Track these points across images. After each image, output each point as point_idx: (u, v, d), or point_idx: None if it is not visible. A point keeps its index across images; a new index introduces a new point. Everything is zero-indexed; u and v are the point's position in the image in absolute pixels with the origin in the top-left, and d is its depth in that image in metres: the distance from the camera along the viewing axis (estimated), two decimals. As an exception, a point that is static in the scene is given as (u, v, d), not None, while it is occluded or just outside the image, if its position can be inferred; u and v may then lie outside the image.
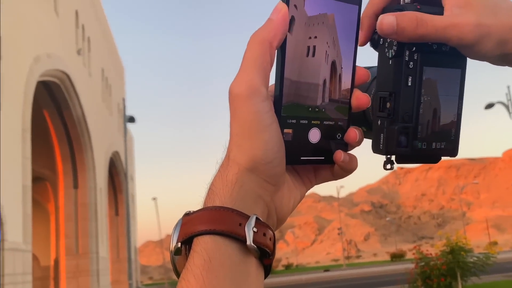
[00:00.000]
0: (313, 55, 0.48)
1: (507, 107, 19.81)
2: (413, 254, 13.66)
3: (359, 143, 0.53)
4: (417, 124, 0.52)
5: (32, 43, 12.05)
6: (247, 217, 0.44)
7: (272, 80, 0.48)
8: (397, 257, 49.02)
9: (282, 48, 0.47)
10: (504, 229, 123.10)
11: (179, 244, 0.44)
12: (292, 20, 0.47)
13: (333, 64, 0.50)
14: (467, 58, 0.53)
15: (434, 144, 0.53)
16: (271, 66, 0.47)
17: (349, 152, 0.53)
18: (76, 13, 16.63)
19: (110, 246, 22.15)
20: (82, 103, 16.40)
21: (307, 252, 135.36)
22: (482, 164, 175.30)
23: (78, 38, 16.84)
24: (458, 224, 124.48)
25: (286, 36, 0.47)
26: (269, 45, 0.46)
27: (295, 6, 0.47)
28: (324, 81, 0.49)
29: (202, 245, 0.43)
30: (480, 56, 0.51)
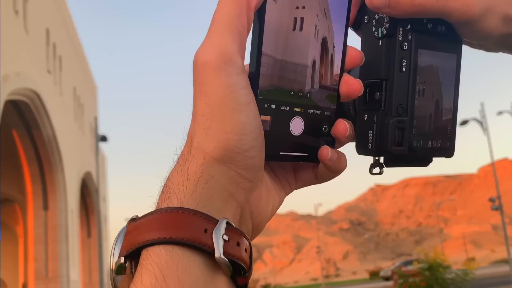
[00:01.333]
0: (301, 29, 0.40)
1: (481, 123, 20.09)
2: (392, 271, 13.65)
3: (348, 138, 0.44)
4: (412, 118, 0.44)
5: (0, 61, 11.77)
6: (215, 222, 0.34)
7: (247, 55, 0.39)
8: (376, 274, 49.08)
9: (259, 13, 0.38)
10: (481, 245, 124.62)
11: (122, 259, 0.34)
12: None
13: (324, 42, 0.41)
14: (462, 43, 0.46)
15: (430, 142, 0.46)
16: (248, 32, 0.38)
17: (337, 149, 0.44)
18: (47, 31, 16.40)
19: (81, 269, 21.58)
20: (52, 123, 16.07)
21: (285, 272, 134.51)
22: (458, 181, 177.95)
23: (49, 57, 16.58)
24: (436, 241, 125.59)
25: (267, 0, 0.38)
26: (246, 4, 0.37)
27: None
28: (314, 62, 0.41)
29: (153, 258, 0.32)
30: (482, 36, 0.43)
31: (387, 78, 0.43)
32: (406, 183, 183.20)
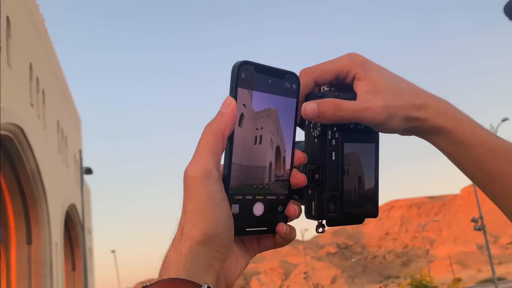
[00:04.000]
0: (260, 142, 0.56)
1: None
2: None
3: (297, 217, 0.59)
4: (342, 191, 0.59)
5: (-18, 97, 11.82)
6: (199, 286, 0.48)
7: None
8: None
9: (230, 138, 0.54)
10: (468, 265, 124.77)
11: None
12: (241, 117, 0.54)
13: (277, 149, 0.57)
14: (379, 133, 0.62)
15: (358, 207, 0.61)
16: (222, 152, 0.53)
17: (289, 223, 0.59)
18: (30, 65, 16.49)
19: (66, 303, 21.21)
20: (36, 156, 16.02)
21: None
22: (442, 202, 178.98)
23: (32, 91, 16.64)
24: (423, 262, 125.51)
25: (235, 127, 0.54)
26: (221, 135, 0.52)
27: (244, 105, 0.54)
28: (270, 164, 0.57)
29: None
30: (390, 131, 0.60)
31: (322, 165, 0.59)
32: (391, 205, 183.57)
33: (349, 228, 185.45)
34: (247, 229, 0.56)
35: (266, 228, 0.57)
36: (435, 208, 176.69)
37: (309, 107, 0.57)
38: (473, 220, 22.29)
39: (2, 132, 13.63)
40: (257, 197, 0.56)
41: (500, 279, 49.33)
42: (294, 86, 0.58)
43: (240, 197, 0.55)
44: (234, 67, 0.54)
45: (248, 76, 0.55)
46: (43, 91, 18.19)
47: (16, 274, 16.46)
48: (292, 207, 0.58)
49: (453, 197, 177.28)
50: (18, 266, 16.48)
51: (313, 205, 0.60)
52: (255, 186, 0.56)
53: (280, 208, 0.58)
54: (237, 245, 0.57)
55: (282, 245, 0.59)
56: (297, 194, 0.62)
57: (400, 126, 0.60)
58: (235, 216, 0.54)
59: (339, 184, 0.59)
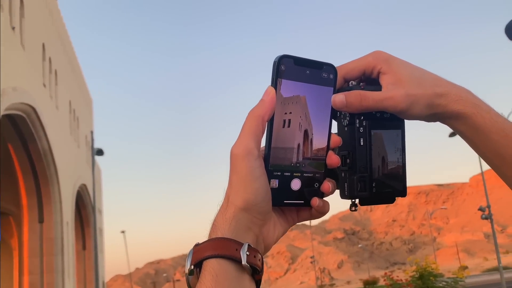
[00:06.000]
0: (289, 125, 0.63)
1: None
2: (385, 280, 13.76)
3: (332, 193, 0.67)
4: (371, 173, 0.66)
5: (-4, 77, 11.93)
6: (242, 244, 0.58)
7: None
8: (370, 284, 48.98)
9: (270, 122, 0.62)
10: (474, 253, 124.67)
11: (192, 267, 0.58)
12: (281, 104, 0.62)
13: (305, 132, 0.64)
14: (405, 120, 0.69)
15: (387, 188, 0.68)
16: (263, 134, 0.62)
17: (324, 198, 0.66)
18: (43, 46, 16.55)
19: (77, 281, 21.56)
20: (48, 136, 16.15)
21: (280, 282, 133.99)
22: (450, 190, 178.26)
23: (45, 71, 16.72)
24: (429, 249, 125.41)
25: (274, 112, 0.62)
26: (261, 119, 0.61)
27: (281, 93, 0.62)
28: (298, 145, 0.64)
29: (210, 265, 0.56)
30: (414, 117, 0.67)
31: (352, 150, 0.67)
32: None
33: (356, 214, 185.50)
34: (285, 201, 0.64)
35: (302, 202, 0.65)
36: (443, 196, 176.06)
37: (338, 98, 0.65)
38: (480, 209, 22.17)
39: (15, 112, 13.77)
40: (294, 174, 0.64)
41: (506, 268, 49.30)
42: (331, 76, 0.65)
43: (279, 173, 0.63)
44: (275, 60, 0.61)
45: (287, 68, 0.62)
46: (55, 71, 18.27)
47: (28, 252, 16.70)
48: (327, 184, 0.66)
49: (462, 186, 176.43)
50: (30, 244, 16.71)
51: (345, 186, 0.67)
52: (292, 164, 0.63)
53: (316, 185, 0.66)
54: (277, 214, 0.66)
55: (317, 217, 0.68)
56: (334, 179, 0.69)
57: (423, 113, 0.66)
58: (274, 189, 0.62)
59: (368, 166, 0.66)
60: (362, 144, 0.66)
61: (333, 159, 0.66)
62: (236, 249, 0.57)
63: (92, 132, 22.59)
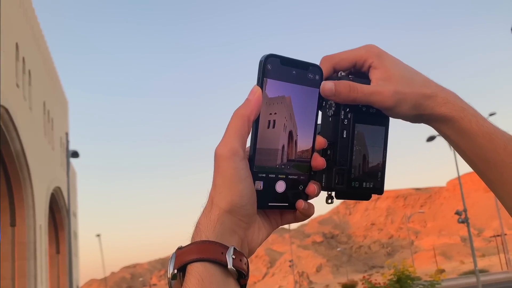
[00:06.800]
0: (273, 126, 0.61)
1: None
2: (363, 284, 13.82)
3: (317, 195, 0.66)
4: (350, 167, 0.65)
5: (-34, 76, 11.61)
6: (227, 247, 0.56)
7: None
8: (348, 287, 49.32)
9: (256, 122, 0.60)
10: (451, 256, 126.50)
11: (175, 271, 0.56)
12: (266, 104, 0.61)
13: (290, 133, 0.63)
14: (390, 118, 0.68)
15: (364, 183, 0.67)
16: (248, 134, 0.60)
17: (308, 201, 0.65)
18: (17, 45, 16.24)
19: (50, 286, 21.18)
20: (21, 138, 15.84)
21: (258, 286, 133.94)
22: (427, 194, 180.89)
23: (18, 71, 16.40)
24: (407, 253, 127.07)
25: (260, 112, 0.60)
26: (247, 119, 0.59)
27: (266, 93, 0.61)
28: (283, 146, 0.62)
29: (195, 269, 0.54)
30: (399, 116, 0.66)
31: (334, 141, 0.65)
32: (377, 196, 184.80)
33: (335, 217, 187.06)
34: (269, 204, 0.62)
35: (287, 204, 0.64)
36: (421, 199, 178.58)
37: (327, 86, 0.63)
38: (457, 213, 22.48)
39: (-13, 113, 13.44)
40: (279, 176, 0.62)
41: (483, 271, 50.08)
42: (317, 77, 0.64)
43: (264, 175, 0.61)
44: (261, 59, 0.60)
45: (273, 68, 0.60)
46: (29, 71, 17.94)
47: (0, 256, 16.36)
48: (312, 186, 0.65)
49: (439, 190, 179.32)
50: (2, 248, 16.38)
51: (323, 178, 0.66)
52: (277, 166, 0.62)
53: (301, 187, 0.64)
54: (261, 217, 0.64)
55: (302, 220, 0.66)
56: (319, 181, 0.67)
57: (409, 113, 0.66)
58: (259, 191, 0.61)
59: (348, 160, 0.65)
60: (344, 136, 0.65)
61: (319, 161, 0.65)
62: (222, 253, 0.55)
63: (67, 134, 22.22)
